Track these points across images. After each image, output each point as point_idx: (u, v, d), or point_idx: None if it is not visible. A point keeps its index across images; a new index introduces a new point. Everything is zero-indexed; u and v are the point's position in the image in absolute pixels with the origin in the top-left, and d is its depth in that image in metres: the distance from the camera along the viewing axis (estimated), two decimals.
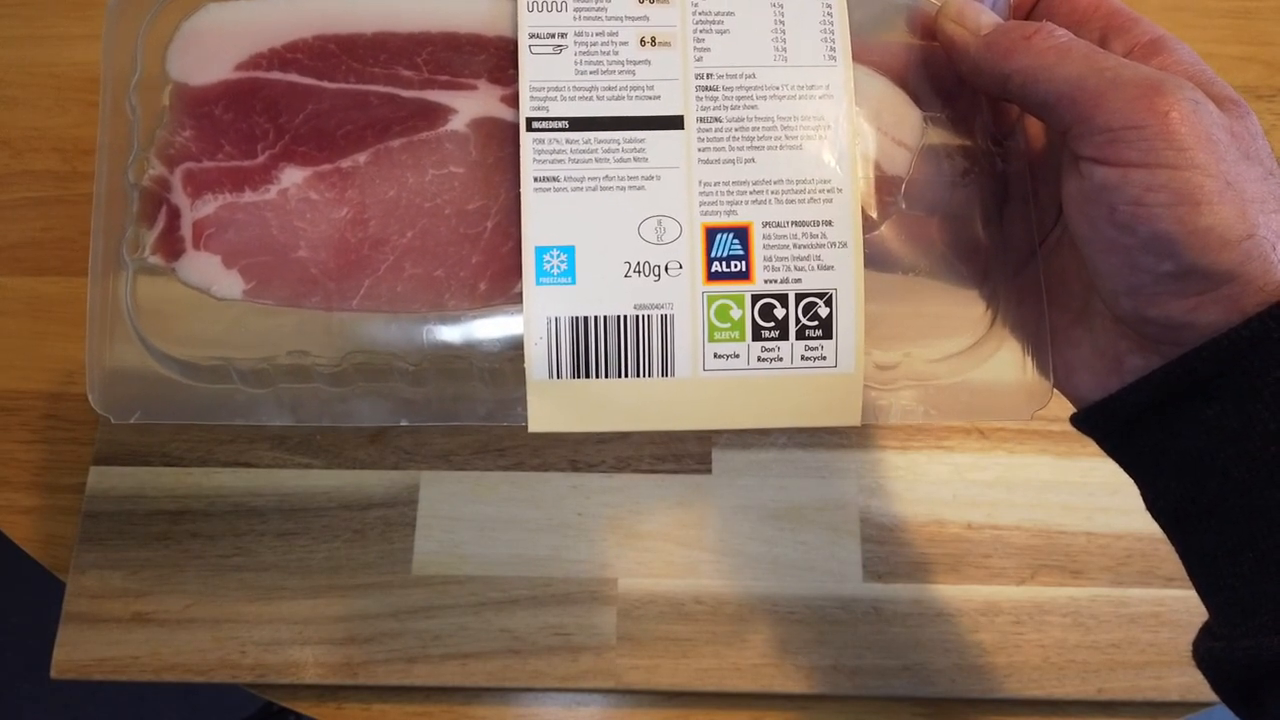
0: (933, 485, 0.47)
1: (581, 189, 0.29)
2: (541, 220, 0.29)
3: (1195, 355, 0.27)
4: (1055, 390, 0.32)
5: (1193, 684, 0.44)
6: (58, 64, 0.55)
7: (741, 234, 0.30)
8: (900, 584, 0.45)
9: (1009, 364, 0.32)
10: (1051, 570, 0.45)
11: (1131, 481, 0.30)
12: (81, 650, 0.44)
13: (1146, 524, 0.30)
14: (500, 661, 0.44)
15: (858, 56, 0.30)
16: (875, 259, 0.31)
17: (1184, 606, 0.45)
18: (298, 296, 0.30)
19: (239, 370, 0.31)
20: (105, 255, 0.30)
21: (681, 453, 0.47)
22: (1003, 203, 0.32)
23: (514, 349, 0.30)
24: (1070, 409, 0.32)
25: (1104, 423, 0.30)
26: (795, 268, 0.30)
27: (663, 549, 0.46)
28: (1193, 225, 0.25)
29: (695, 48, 0.29)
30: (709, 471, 0.47)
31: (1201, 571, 0.29)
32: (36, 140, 0.53)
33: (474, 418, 0.32)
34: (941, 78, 0.32)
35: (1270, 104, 0.55)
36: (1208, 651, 0.28)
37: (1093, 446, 0.31)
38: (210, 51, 0.30)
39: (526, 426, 0.30)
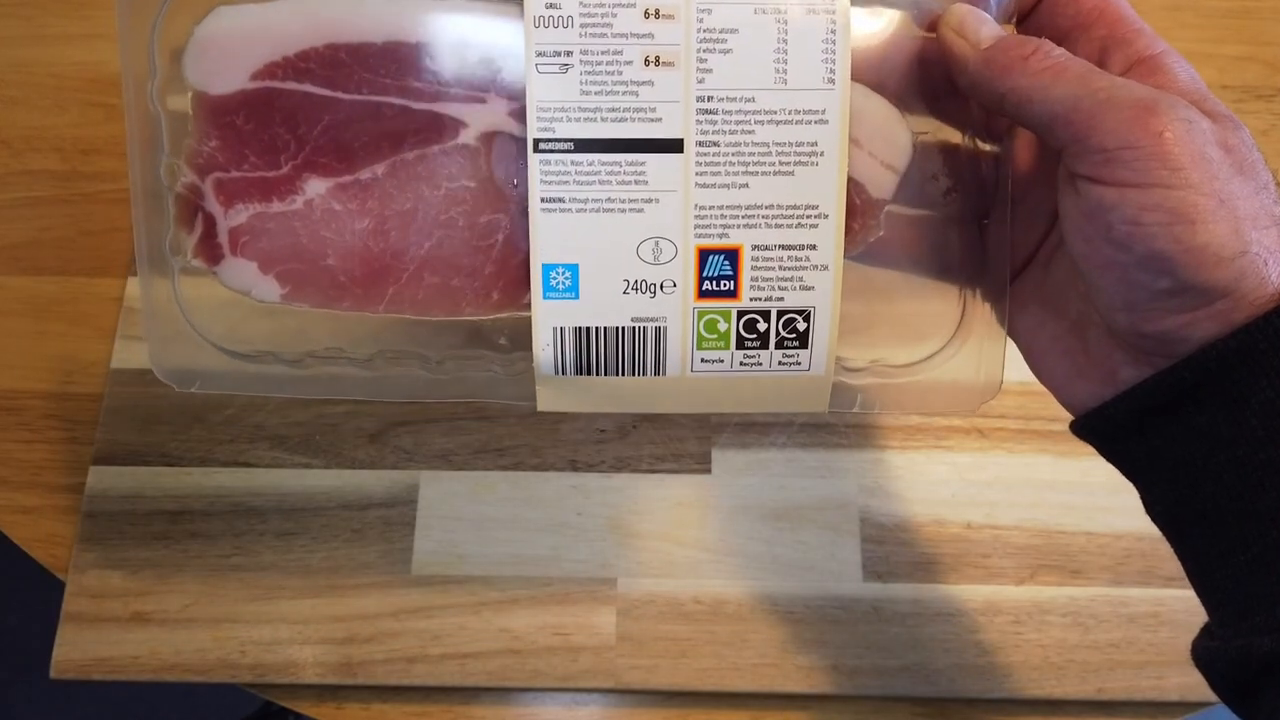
0: (932, 485, 0.47)
1: (585, 210, 0.31)
2: (548, 239, 0.31)
3: (1184, 365, 0.27)
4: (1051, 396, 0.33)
5: (1192, 684, 0.44)
6: (57, 64, 0.55)
7: (732, 256, 0.32)
8: (900, 584, 0.45)
9: (966, 364, 0.34)
10: (1051, 570, 0.46)
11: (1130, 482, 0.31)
12: (81, 650, 0.44)
13: (1146, 524, 0.31)
14: (499, 661, 0.44)
15: (855, 63, 0.31)
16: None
17: (1183, 606, 0.45)
18: (330, 301, 0.33)
19: (281, 360, 0.34)
20: (150, 249, 0.33)
21: (681, 452, 0.47)
22: (984, 212, 0.33)
23: (525, 349, 0.33)
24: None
25: (1100, 429, 0.31)
26: (779, 287, 0.32)
27: (662, 549, 0.46)
28: (1188, 244, 0.26)
29: (698, 68, 0.30)
30: (709, 471, 0.47)
31: (1197, 573, 0.30)
32: (36, 140, 0.54)
33: (490, 396, 0.35)
34: (937, 76, 0.32)
35: (1270, 104, 0.55)
36: (1204, 650, 0.29)
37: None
38: (225, 59, 0.31)
39: (535, 406, 0.34)
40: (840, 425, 0.48)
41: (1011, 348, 0.34)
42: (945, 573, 0.46)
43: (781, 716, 0.45)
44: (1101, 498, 0.47)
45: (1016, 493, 0.47)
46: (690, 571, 0.46)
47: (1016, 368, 0.33)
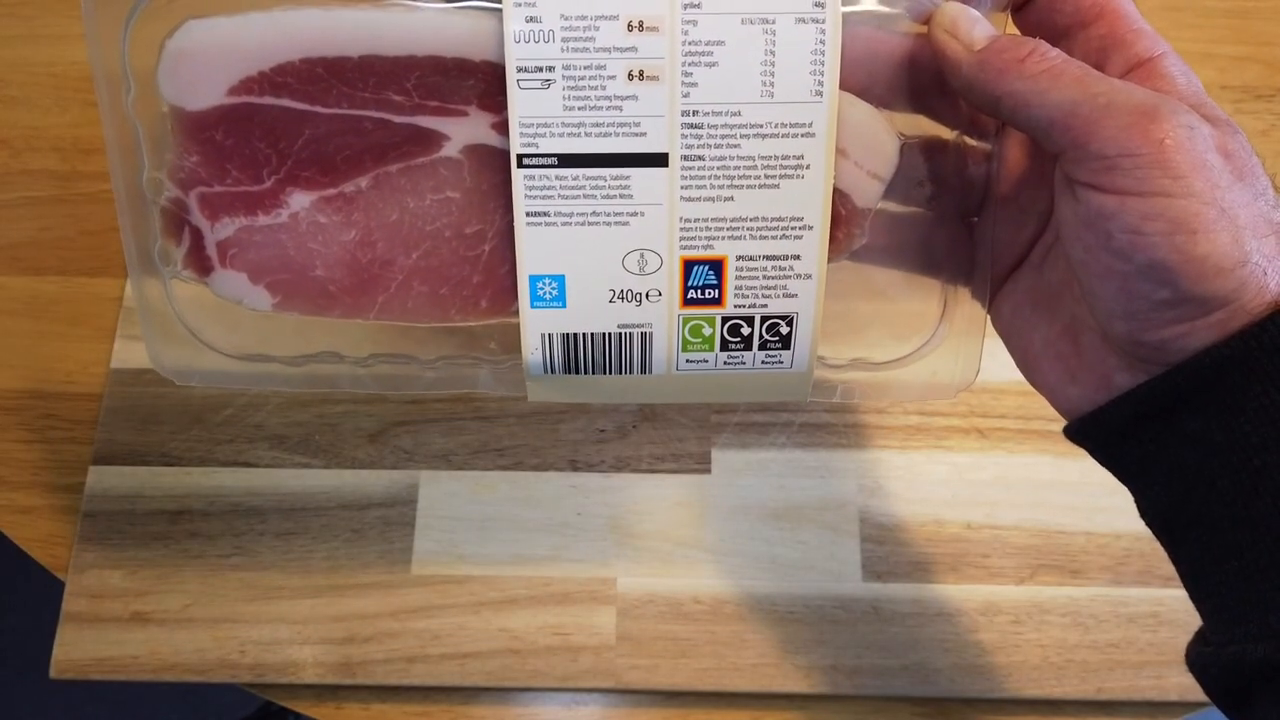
0: (932, 485, 0.47)
1: (570, 224, 0.31)
2: (534, 252, 0.31)
3: (1179, 371, 0.27)
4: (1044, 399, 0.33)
5: (1191, 684, 0.44)
6: (57, 64, 0.56)
7: (716, 266, 0.32)
8: (899, 584, 0.45)
9: (945, 358, 0.35)
10: (1050, 570, 0.46)
11: None
12: (81, 650, 0.44)
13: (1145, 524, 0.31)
14: (499, 661, 0.44)
15: (842, 64, 0.30)
16: None
17: (1183, 606, 0.45)
18: (321, 310, 0.33)
19: (278, 360, 0.35)
20: (139, 254, 0.33)
21: (681, 452, 0.47)
22: (972, 210, 0.33)
23: (514, 351, 0.33)
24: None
25: (1094, 435, 0.30)
26: (763, 295, 0.32)
27: (662, 549, 0.46)
28: (1189, 254, 0.26)
29: (683, 82, 0.30)
30: (708, 471, 0.47)
31: (1192, 579, 0.30)
32: (35, 140, 0.54)
33: (482, 389, 0.36)
34: (925, 74, 0.32)
35: (1270, 104, 0.55)
36: (1198, 656, 0.30)
37: None
38: (200, 75, 0.31)
39: (526, 397, 0.35)
40: (840, 425, 0.48)
41: (1005, 348, 0.34)
42: (945, 573, 0.46)
43: (781, 716, 0.45)
44: (1101, 498, 0.47)
45: (1016, 493, 0.47)
46: (690, 571, 0.46)
47: (1016, 368, 0.33)
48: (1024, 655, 0.45)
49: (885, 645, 0.45)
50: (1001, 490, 0.47)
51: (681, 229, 0.31)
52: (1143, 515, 0.31)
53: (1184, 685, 0.44)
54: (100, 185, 0.53)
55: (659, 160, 0.30)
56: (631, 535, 0.46)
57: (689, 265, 0.32)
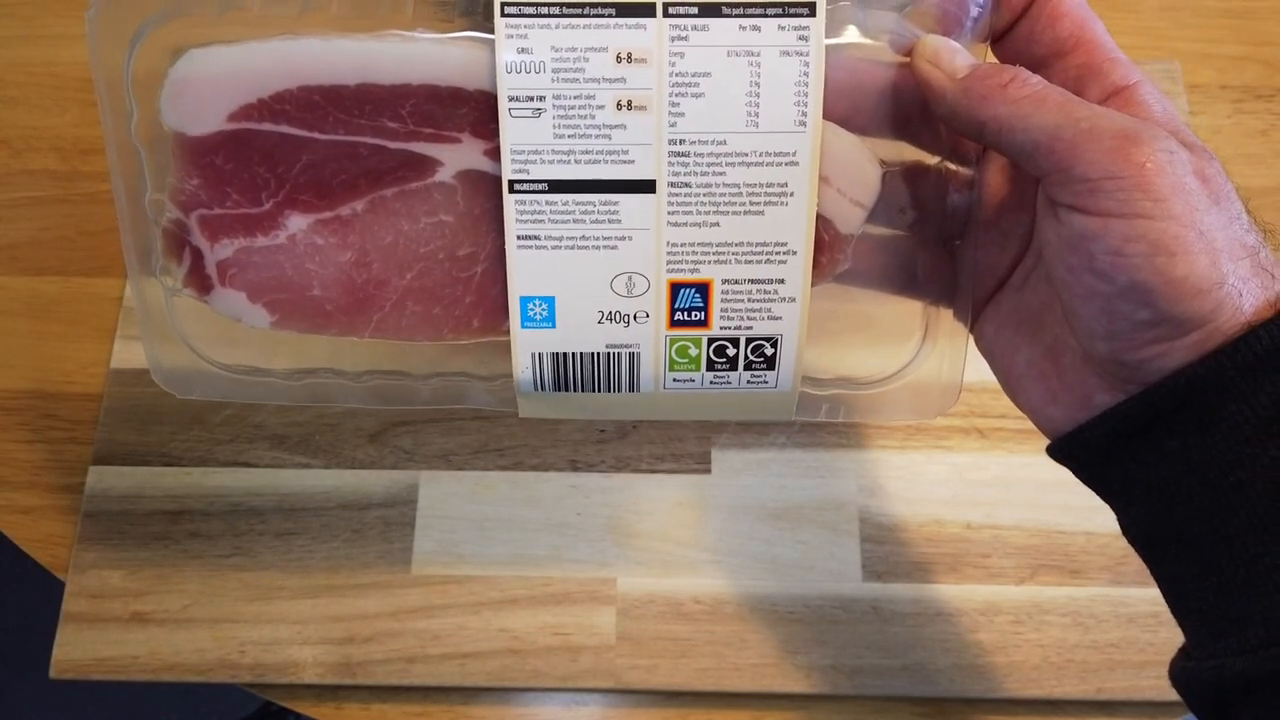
0: (932, 485, 0.48)
1: (560, 247, 0.32)
2: (525, 274, 0.32)
3: (1155, 392, 0.28)
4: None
5: None
6: (57, 64, 0.56)
7: (703, 289, 0.33)
8: (899, 584, 0.46)
9: (928, 377, 0.36)
10: (1050, 570, 0.46)
11: None
12: (81, 650, 0.45)
13: None
14: (499, 661, 0.44)
15: (826, 93, 0.31)
16: None
17: None
18: (317, 328, 0.34)
19: (275, 375, 0.36)
20: (141, 273, 0.34)
21: (681, 452, 0.48)
22: (954, 234, 0.34)
23: (506, 368, 0.34)
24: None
25: (1076, 453, 0.31)
26: (748, 317, 0.33)
27: (662, 548, 0.46)
28: (1169, 275, 0.27)
29: (670, 112, 0.31)
30: (708, 471, 0.48)
31: (1173, 595, 0.31)
32: (35, 140, 0.54)
33: (474, 403, 0.37)
34: (908, 102, 0.33)
35: (1269, 104, 0.55)
36: (1181, 671, 0.30)
37: None
38: (201, 102, 0.32)
39: (518, 413, 0.36)
40: (840, 425, 0.48)
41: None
42: (945, 573, 0.46)
43: (781, 716, 0.45)
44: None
45: (1016, 493, 0.48)
46: (690, 571, 0.46)
47: None
48: (1024, 655, 0.45)
49: (885, 645, 0.45)
50: (1001, 490, 0.48)
51: (669, 253, 0.32)
52: (1125, 532, 0.31)
53: None
54: (100, 185, 0.53)
55: (647, 187, 0.31)
56: (631, 535, 0.47)
57: (676, 288, 0.33)
